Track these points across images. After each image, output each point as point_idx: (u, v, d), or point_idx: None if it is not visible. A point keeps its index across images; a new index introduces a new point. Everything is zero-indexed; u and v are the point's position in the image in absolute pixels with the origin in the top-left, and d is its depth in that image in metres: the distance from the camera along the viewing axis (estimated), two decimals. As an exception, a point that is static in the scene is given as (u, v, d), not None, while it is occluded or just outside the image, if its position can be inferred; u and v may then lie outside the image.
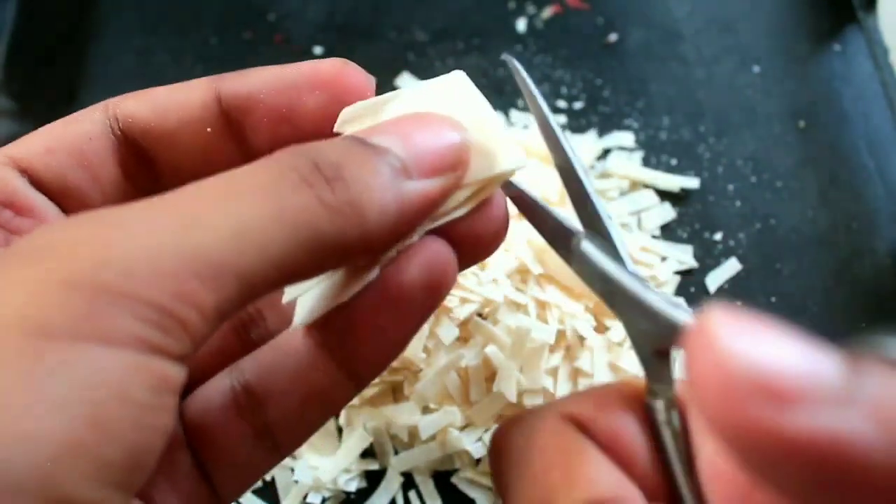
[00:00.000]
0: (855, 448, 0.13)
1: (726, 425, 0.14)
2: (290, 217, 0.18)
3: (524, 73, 0.25)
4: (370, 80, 0.24)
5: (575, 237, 0.24)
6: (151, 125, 0.23)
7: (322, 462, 0.35)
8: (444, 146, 0.21)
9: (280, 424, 0.23)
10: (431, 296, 0.21)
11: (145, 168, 0.24)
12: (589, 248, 0.24)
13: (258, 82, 0.24)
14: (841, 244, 0.41)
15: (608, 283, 0.23)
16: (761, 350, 0.14)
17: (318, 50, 0.47)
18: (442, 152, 0.21)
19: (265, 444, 0.23)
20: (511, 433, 0.23)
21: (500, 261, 0.35)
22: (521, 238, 0.36)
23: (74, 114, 0.24)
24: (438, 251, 0.21)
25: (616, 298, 0.22)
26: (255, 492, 0.35)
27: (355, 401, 0.35)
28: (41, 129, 0.24)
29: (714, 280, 0.40)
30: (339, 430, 0.36)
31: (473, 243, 0.23)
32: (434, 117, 0.22)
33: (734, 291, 0.40)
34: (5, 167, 0.23)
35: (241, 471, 0.23)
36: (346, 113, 0.23)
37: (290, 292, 0.23)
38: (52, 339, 0.15)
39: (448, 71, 0.47)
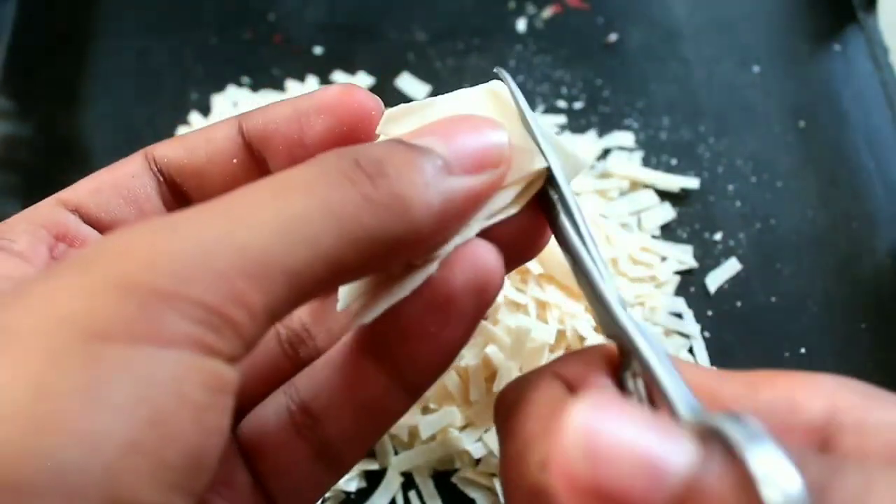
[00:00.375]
0: None
1: None
2: (338, 212, 0.18)
3: (517, 93, 0.24)
4: (376, 102, 0.25)
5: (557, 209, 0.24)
6: (184, 162, 0.25)
7: (322, 462, 0.35)
8: (485, 143, 0.21)
9: (338, 440, 0.23)
10: (479, 299, 0.22)
11: (184, 203, 0.26)
12: (568, 227, 0.23)
13: (275, 114, 0.25)
14: (841, 244, 0.41)
15: (578, 271, 0.23)
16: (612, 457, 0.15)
17: (317, 50, 0.47)
18: (483, 149, 0.21)
19: (324, 460, 0.23)
20: (509, 391, 0.23)
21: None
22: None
23: (116, 162, 0.25)
24: (484, 254, 0.22)
25: (584, 289, 0.23)
26: (255, 492, 0.35)
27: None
28: (88, 177, 0.25)
29: (714, 280, 0.40)
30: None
31: (519, 244, 0.23)
32: (474, 117, 0.22)
33: (734, 291, 0.40)
34: (56, 207, 0.24)
35: (302, 489, 0.23)
36: (389, 114, 0.24)
37: (343, 297, 0.23)
38: (108, 342, 0.16)
39: (448, 71, 0.47)
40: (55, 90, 0.47)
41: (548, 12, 0.49)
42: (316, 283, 0.18)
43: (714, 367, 0.23)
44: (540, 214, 0.23)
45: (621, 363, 0.22)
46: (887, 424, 0.19)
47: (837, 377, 0.21)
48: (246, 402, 0.24)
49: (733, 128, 0.44)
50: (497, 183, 0.22)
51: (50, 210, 0.24)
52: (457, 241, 0.21)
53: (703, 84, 0.46)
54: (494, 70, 0.24)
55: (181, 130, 0.44)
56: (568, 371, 0.22)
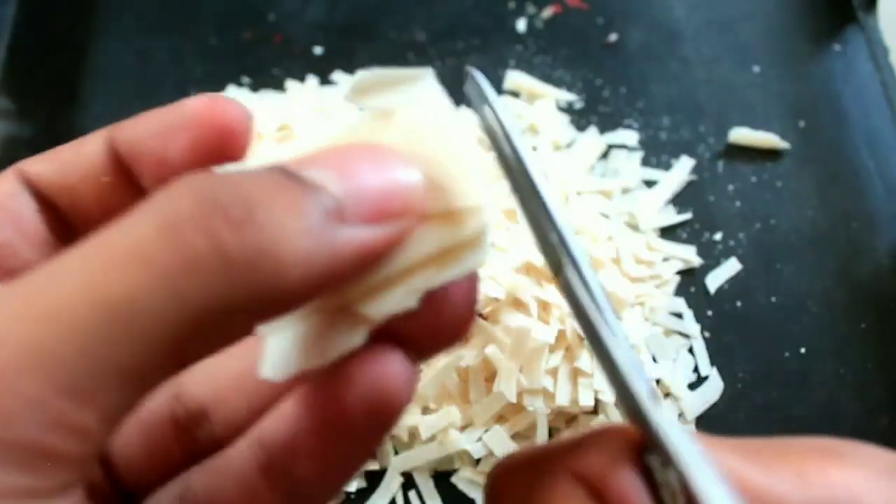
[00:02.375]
0: None
1: None
2: (181, 284, 0.14)
3: (488, 91, 0.21)
4: (246, 116, 0.22)
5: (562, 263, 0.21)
6: (55, 179, 0.22)
7: (322, 462, 0.35)
8: (388, 188, 0.17)
9: None
10: (380, 422, 0.18)
11: (61, 222, 0.23)
12: (575, 282, 0.20)
13: (141, 127, 0.22)
14: (841, 244, 0.41)
15: (590, 334, 0.20)
16: None
17: (317, 50, 0.47)
18: (388, 194, 0.17)
19: None
20: (514, 484, 0.20)
21: (501, 259, 0.35)
22: (525, 237, 0.36)
23: None
24: (385, 369, 0.18)
25: (596, 351, 0.20)
26: (255, 492, 0.35)
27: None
28: None
29: (714, 280, 0.40)
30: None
31: (430, 338, 0.19)
32: (384, 150, 0.18)
33: (734, 291, 0.40)
34: None
35: None
36: (360, 81, 0.19)
37: (261, 328, 0.18)
38: None
39: (448, 71, 0.47)
40: (55, 90, 0.47)
41: (548, 12, 0.49)
42: (158, 375, 0.15)
43: (751, 442, 0.20)
44: (469, 296, 0.19)
45: (645, 446, 0.19)
46: None
47: (881, 455, 0.20)
48: (137, 489, 0.22)
49: (733, 128, 0.44)
50: (398, 237, 0.17)
51: None
52: (392, 304, 0.17)
53: (703, 84, 0.46)
54: (467, 69, 0.21)
55: (181, 130, 0.44)
56: (590, 469, 0.19)
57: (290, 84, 0.46)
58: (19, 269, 0.22)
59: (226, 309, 0.15)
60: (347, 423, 0.18)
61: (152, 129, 0.22)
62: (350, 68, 0.47)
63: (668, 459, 0.18)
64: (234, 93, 0.46)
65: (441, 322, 0.18)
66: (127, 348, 0.14)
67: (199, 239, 0.15)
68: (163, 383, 0.16)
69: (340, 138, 0.19)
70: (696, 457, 0.17)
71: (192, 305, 0.14)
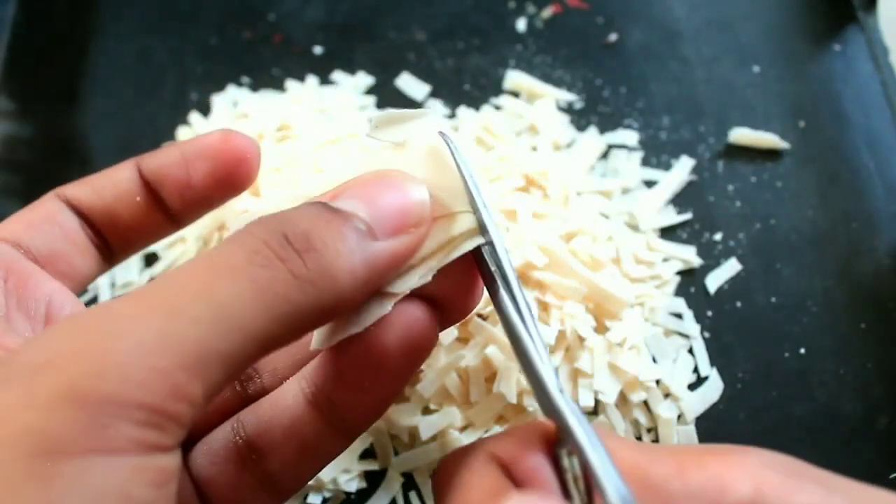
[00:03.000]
0: None
1: None
2: (267, 294, 0.19)
3: (461, 159, 0.25)
4: (252, 144, 0.28)
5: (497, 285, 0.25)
6: (94, 201, 0.28)
7: (322, 462, 0.35)
8: (406, 204, 0.22)
9: (280, 473, 0.24)
10: (411, 359, 0.23)
11: (101, 238, 0.29)
12: (507, 302, 0.24)
13: (166, 157, 0.28)
14: (841, 244, 0.41)
15: (512, 338, 0.24)
16: None
17: (317, 50, 0.47)
18: (405, 210, 0.22)
19: (267, 490, 0.25)
20: (446, 468, 0.24)
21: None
22: (525, 237, 0.36)
23: (30, 205, 0.28)
24: (417, 316, 0.23)
25: (524, 365, 0.24)
26: (256, 492, 0.35)
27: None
28: (12, 216, 0.27)
29: (714, 280, 0.40)
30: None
31: (447, 305, 0.24)
32: (394, 175, 0.23)
33: (734, 292, 0.40)
34: (1, 243, 0.26)
35: None
36: (377, 119, 0.25)
37: (317, 337, 0.25)
38: (59, 457, 0.17)
39: (448, 71, 0.47)
40: (55, 90, 0.47)
41: (548, 12, 0.48)
42: (247, 361, 0.20)
43: (646, 443, 0.25)
44: (472, 273, 0.24)
45: (557, 439, 0.23)
46: None
47: (765, 454, 0.22)
48: (196, 431, 0.26)
49: (733, 128, 0.44)
50: (419, 242, 0.23)
51: None
52: (414, 282, 0.23)
53: (703, 84, 0.46)
54: (439, 133, 0.25)
55: (181, 130, 0.44)
56: (505, 451, 0.23)
57: (290, 84, 0.46)
58: (71, 273, 0.27)
59: (298, 312, 0.20)
60: (385, 357, 0.23)
61: (175, 159, 0.28)
62: (350, 68, 0.47)
63: (570, 442, 0.21)
64: (234, 93, 0.46)
65: (452, 290, 0.24)
66: (228, 338, 0.19)
67: (278, 266, 0.20)
68: (243, 371, 0.20)
69: (364, 166, 0.24)
70: (594, 441, 0.21)
71: (275, 310, 0.19)
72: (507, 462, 0.22)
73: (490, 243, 0.24)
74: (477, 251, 0.24)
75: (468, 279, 0.25)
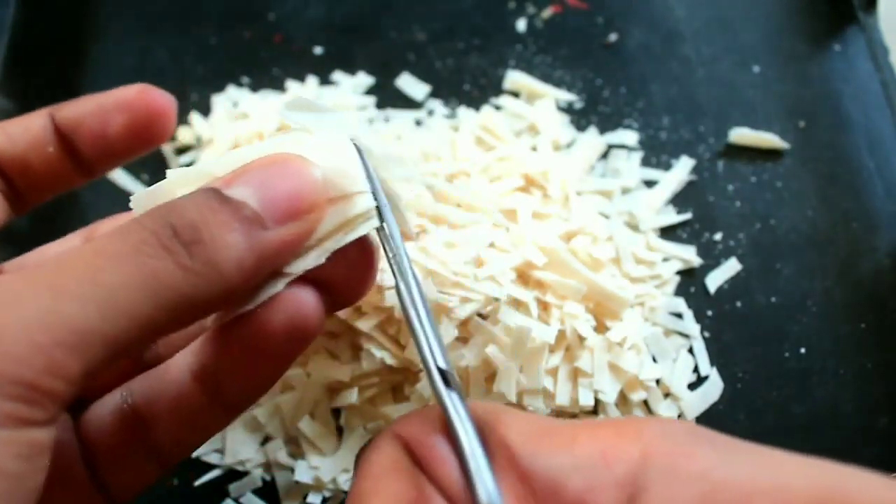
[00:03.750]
0: None
1: None
2: (153, 283, 0.20)
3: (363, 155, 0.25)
4: (170, 100, 0.28)
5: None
6: (5, 149, 0.28)
7: (322, 462, 0.35)
8: (298, 191, 0.22)
9: (163, 443, 0.25)
10: (296, 342, 0.23)
11: (10, 187, 0.29)
12: (402, 287, 0.25)
13: (82, 108, 0.28)
14: (841, 244, 0.41)
15: (412, 333, 0.24)
16: None
17: (317, 50, 0.47)
18: (296, 197, 0.22)
19: (151, 458, 0.25)
20: (362, 450, 0.24)
21: (502, 259, 0.35)
22: (525, 237, 0.36)
23: None
24: (302, 300, 0.23)
25: (416, 345, 0.24)
26: (255, 492, 0.35)
27: (355, 401, 0.35)
28: None
29: (714, 280, 0.40)
30: (340, 431, 0.36)
31: (342, 287, 0.25)
32: (290, 159, 0.23)
33: (734, 292, 0.40)
34: None
35: (132, 480, 0.25)
36: (293, 101, 0.25)
37: None
38: None
39: (448, 71, 0.47)
40: (55, 90, 0.47)
41: (548, 12, 0.49)
42: (134, 343, 0.20)
43: (548, 418, 0.25)
44: (367, 257, 0.25)
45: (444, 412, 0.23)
46: (694, 476, 0.20)
47: (663, 422, 0.22)
48: (87, 394, 0.26)
49: (733, 128, 0.44)
50: (311, 228, 0.23)
51: None
52: (309, 262, 0.23)
53: (703, 84, 0.46)
54: (350, 139, 0.25)
55: (181, 130, 0.44)
56: (407, 431, 0.23)
57: (290, 84, 0.46)
58: None
59: (186, 302, 0.20)
60: (270, 339, 0.23)
61: (91, 110, 0.28)
62: (350, 68, 0.47)
63: (451, 431, 0.22)
64: (234, 93, 0.46)
65: (347, 272, 0.24)
66: (112, 322, 0.19)
67: (165, 257, 0.20)
68: (127, 356, 0.21)
69: (267, 148, 0.24)
70: (471, 436, 0.22)
71: (163, 300, 0.20)
72: (408, 441, 0.23)
73: (383, 228, 0.24)
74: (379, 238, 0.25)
75: (362, 263, 0.25)
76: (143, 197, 0.24)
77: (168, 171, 0.24)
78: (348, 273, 0.24)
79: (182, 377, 0.25)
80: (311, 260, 0.23)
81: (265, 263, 0.22)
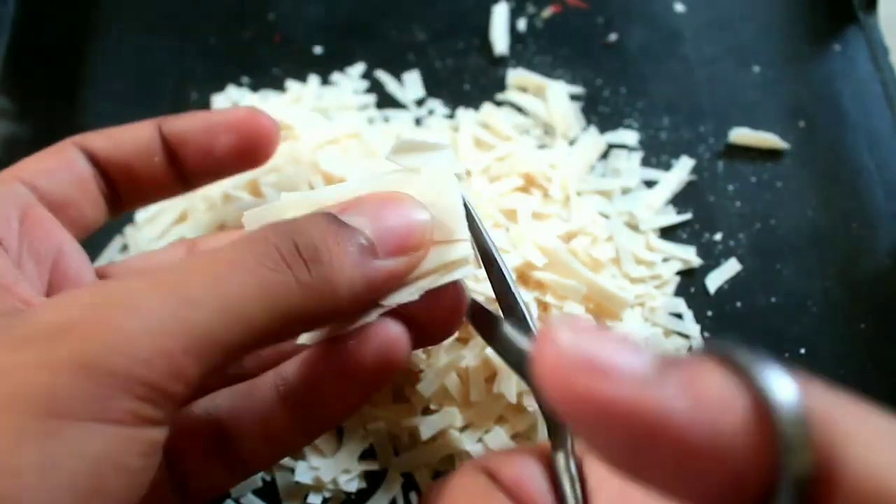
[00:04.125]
0: (660, 413, 0.15)
1: (559, 396, 0.16)
2: (272, 294, 0.21)
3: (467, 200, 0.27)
4: (275, 125, 0.30)
5: (498, 322, 0.27)
6: (112, 154, 0.28)
7: (322, 463, 0.35)
8: (409, 228, 0.24)
9: (243, 455, 0.26)
10: (383, 372, 0.24)
11: (113, 190, 0.30)
12: (510, 330, 0.27)
13: (190, 123, 0.29)
14: (841, 244, 0.41)
15: (524, 358, 0.25)
16: (587, 341, 0.16)
17: (317, 49, 0.47)
18: (407, 234, 0.24)
19: (230, 466, 0.26)
20: (435, 487, 0.25)
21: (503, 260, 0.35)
22: (525, 237, 0.36)
23: (49, 148, 0.29)
24: (393, 334, 0.24)
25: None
26: (256, 492, 0.35)
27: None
28: (30, 157, 0.28)
29: (714, 280, 0.40)
30: (340, 431, 0.36)
31: (429, 326, 0.26)
32: (406, 200, 0.24)
33: (734, 292, 0.40)
34: (15, 185, 0.27)
35: (208, 486, 0.26)
36: (399, 144, 0.26)
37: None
38: (64, 420, 0.18)
39: (448, 71, 0.47)
40: (55, 90, 0.47)
41: (547, 12, 0.48)
42: (246, 351, 0.21)
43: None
44: (458, 302, 0.26)
45: (553, 445, 0.23)
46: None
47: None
48: None
49: (733, 128, 0.44)
50: (416, 264, 0.24)
51: (9, 189, 0.26)
52: (403, 297, 0.24)
53: (703, 84, 0.46)
54: (453, 174, 0.26)
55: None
56: (492, 462, 0.23)
57: (291, 84, 0.46)
58: (78, 221, 0.29)
59: (298, 315, 0.22)
60: (359, 368, 0.24)
61: (200, 126, 0.29)
62: (350, 68, 0.47)
63: (570, 448, 0.23)
64: (233, 93, 0.46)
65: (437, 312, 0.25)
66: (231, 329, 0.20)
67: (286, 271, 0.21)
68: (236, 361, 0.22)
69: (377, 185, 0.25)
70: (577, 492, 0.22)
71: (278, 311, 0.21)
72: (492, 469, 0.23)
73: (499, 269, 0.26)
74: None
75: (452, 305, 0.26)
76: (256, 214, 0.25)
77: (283, 194, 0.25)
78: (437, 313, 0.26)
79: (269, 396, 0.26)
80: (406, 295, 0.24)
81: (372, 290, 0.23)
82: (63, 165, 0.28)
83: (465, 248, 0.25)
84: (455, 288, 0.26)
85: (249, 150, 0.30)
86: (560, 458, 0.23)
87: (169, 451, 0.25)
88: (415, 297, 0.24)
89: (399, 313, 0.25)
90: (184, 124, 0.29)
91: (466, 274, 0.25)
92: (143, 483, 0.20)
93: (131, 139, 0.29)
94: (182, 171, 0.30)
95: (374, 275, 0.23)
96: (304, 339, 0.25)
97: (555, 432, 0.24)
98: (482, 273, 0.27)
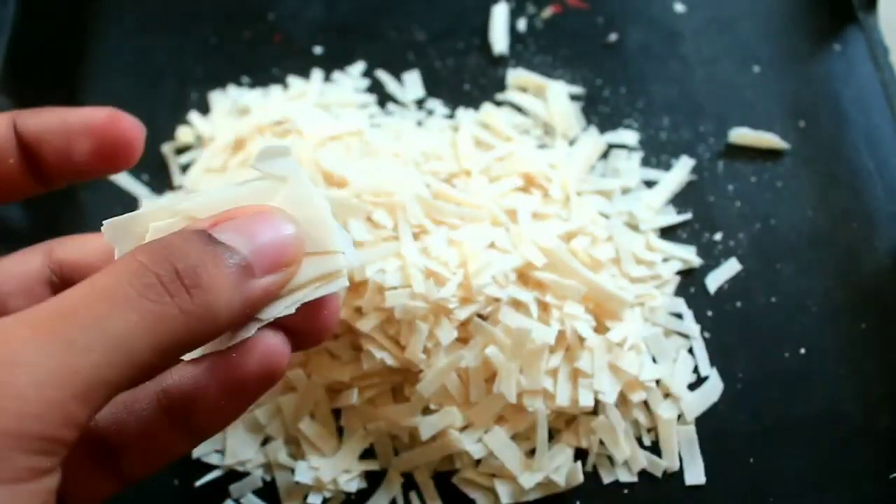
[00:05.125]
0: None
1: None
2: (156, 328, 0.21)
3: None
4: (139, 128, 0.28)
5: None
6: None
7: (323, 463, 0.35)
8: (282, 244, 0.24)
9: (127, 467, 0.26)
10: (265, 382, 0.25)
11: None
12: None
13: (47, 122, 0.28)
14: (841, 244, 0.41)
15: None
16: None
17: (317, 50, 0.47)
18: (281, 250, 0.24)
19: (112, 478, 0.26)
20: None
21: (501, 260, 0.35)
22: (525, 237, 0.36)
23: None
24: (273, 345, 0.24)
25: None
26: (257, 492, 0.35)
27: (355, 402, 0.35)
28: None
29: (714, 280, 0.40)
30: (340, 431, 0.36)
31: (305, 334, 0.26)
32: (277, 214, 0.24)
33: (734, 291, 0.40)
34: None
35: (88, 495, 0.26)
36: (262, 150, 0.25)
37: None
38: None
39: (448, 70, 0.47)
40: (55, 90, 0.47)
41: (548, 12, 0.48)
42: (130, 384, 0.21)
43: None
44: (330, 308, 0.26)
45: None
46: None
47: None
48: None
49: (733, 128, 0.44)
50: (289, 279, 0.24)
51: None
52: (280, 311, 0.24)
53: (703, 84, 0.46)
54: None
55: (181, 130, 0.44)
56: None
57: (293, 80, 0.46)
58: None
59: (181, 343, 0.21)
60: (244, 380, 0.24)
61: (57, 127, 0.28)
62: (350, 68, 0.47)
63: None
64: (233, 92, 0.46)
65: (312, 322, 0.26)
66: (117, 369, 0.20)
67: (168, 302, 0.21)
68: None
69: (243, 195, 0.25)
70: None
71: (164, 342, 0.21)
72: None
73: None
74: None
75: (326, 313, 0.26)
76: (117, 224, 0.24)
77: (144, 202, 0.25)
78: (313, 322, 0.26)
79: (150, 407, 0.25)
80: (283, 308, 0.24)
81: (249, 309, 0.23)
82: None
83: (338, 260, 0.25)
84: (329, 300, 0.26)
85: (110, 156, 0.28)
86: None
87: None
88: (291, 310, 0.24)
89: (276, 323, 0.25)
90: (40, 122, 0.28)
91: (341, 286, 0.25)
92: None
93: None
94: (39, 172, 0.28)
95: (251, 294, 0.23)
96: (185, 356, 0.25)
97: None
98: None
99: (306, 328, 0.26)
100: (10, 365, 0.19)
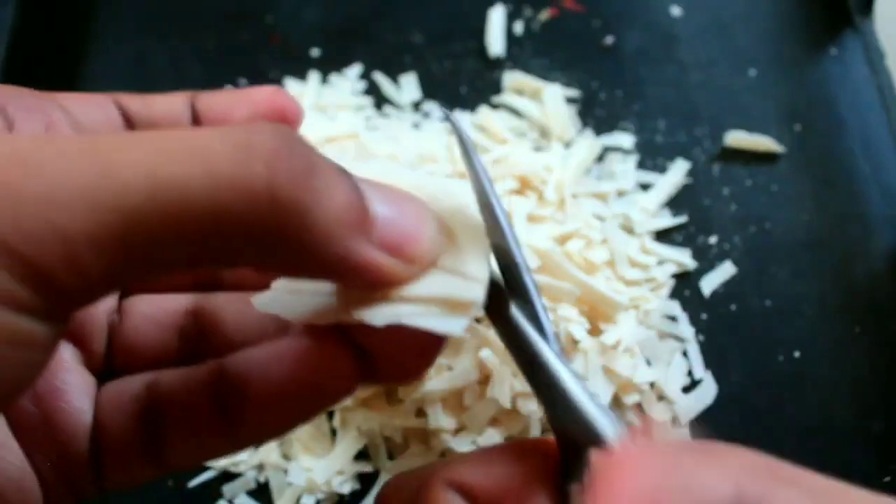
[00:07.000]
0: None
1: None
2: (221, 195, 0.16)
3: (466, 136, 0.24)
4: (296, 107, 0.26)
5: (507, 299, 0.23)
6: (142, 114, 0.26)
7: (316, 464, 0.35)
8: (417, 234, 0.20)
9: (167, 450, 0.23)
10: (317, 402, 0.22)
11: None
12: (518, 316, 0.23)
13: (218, 96, 0.26)
14: (836, 248, 0.41)
15: (533, 361, 0.22)
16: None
17: (314, 52, 0.48)
18: (412, 238, 0.20)
19: (151, 460, 0.23)
20: (393, 496, 0.22)
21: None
22: (519, 240, 0.36)
23: (83, 94, 0.25)
24: (331, 365, 0.21)
25: (539, 378, 0.22)
26: (250, 493, 0.35)
27: (349, 403, 0.35)
28: (68, 93, 0.25)
29: (709, 283, 0.40)
30: (333, 432, 0.36)
31: (392, 364, 0.22)
32: (428, 210, 0.21)
33: (729, 295, 0.40)
34: (53, 102, 0.24)
35: (127, 477, 0.24)
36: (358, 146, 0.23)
37: (260, 300, 0.22)
38: None
39: (445, 73, 0.47)
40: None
41: (544, 15, 0.49)
42: (172, 259, 0.17)
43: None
44: (435, 345, 0.22)
45: (563, 466, 0.20)
46: None
47: (746, 454, 0.21)
48: (119, 368, 0.24)
49: (729, 131, 0.44)
50: (402, 277, 0.20)
51: (44, 101, 0.24)
52: (390, 317, 0.19)
53: (699, 87, 0.46)
54: (444, 113, 0.24)
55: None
56: (468, 478, 0.20)
57: (290, 82, 0.46)
58: None
59: (244, 235, 0.17)
60: (303, 381, 0.21)
61: (225, 99, 0.26)
62: (347, 70, 0.47)
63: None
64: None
65: (398, 356, 0.21)
66: (153, 218, 0.16)
67: (262, 168, 0.16)
68: (166, 273, 0.18)
69: (408, 185, 0.21)
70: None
71: (225, 218, 0.16)
72: (466, 487, 0.20)
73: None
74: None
75: (427, 349, 0.21)
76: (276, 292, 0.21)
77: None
78: (406, 351, 0.21)
79: (204, 390, 0.23)
80: (376, 316, 0.19)
81: (336, 268, 0.19)
82: (97, 108, 0.25)
83: (477, 289, 0.20)
84: (433, 340, 0.21)
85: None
86: (576, 491, 0.20)
87: (97, 420, 0.23)
88: (380, 323, 0.19)
89: (359, 337, 0.21)
90: (214, 97, 0.26)
91: (460, 325, 0.20)
92: (7, 380, 0.17)
93: (164, 105, 0.26)
94: None
95: (352, 250, 0.18)
96: (257, 301, 0.21)
97: (573, 461, 0.20)
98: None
99: (396, 358, 0.21)
100: (26, 167, 0.16)
